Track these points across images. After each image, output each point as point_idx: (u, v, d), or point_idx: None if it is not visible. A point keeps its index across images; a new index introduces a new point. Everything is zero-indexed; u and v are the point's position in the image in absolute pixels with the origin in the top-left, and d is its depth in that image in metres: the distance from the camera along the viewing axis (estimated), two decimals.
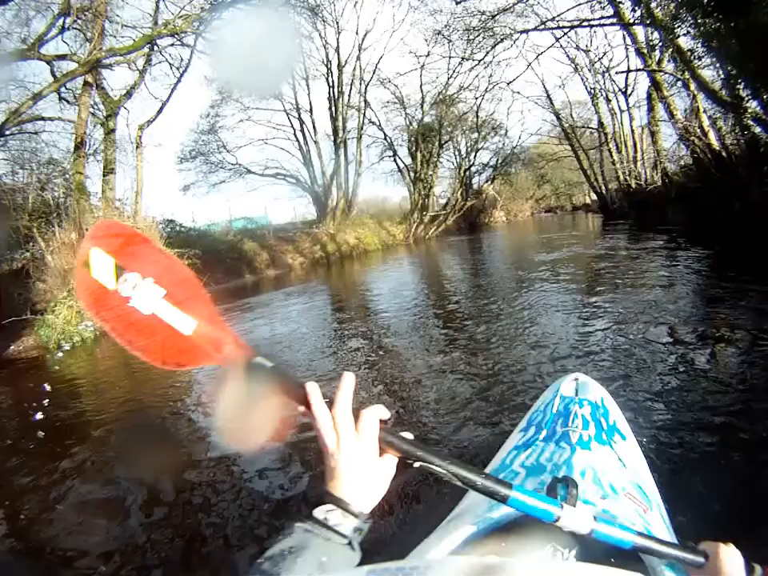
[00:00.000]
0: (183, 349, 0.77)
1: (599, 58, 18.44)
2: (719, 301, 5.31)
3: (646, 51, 13.05)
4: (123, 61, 10.46)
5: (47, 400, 5.75)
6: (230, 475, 3.05)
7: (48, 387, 6.53)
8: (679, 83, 12.12)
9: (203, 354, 0.77)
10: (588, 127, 24.35)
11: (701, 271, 7.25)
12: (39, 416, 5.05)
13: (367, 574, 0.49)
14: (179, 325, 0.76)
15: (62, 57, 8.48)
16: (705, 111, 11.24)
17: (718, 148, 11.05)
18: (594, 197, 27.92)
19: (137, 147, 12.85)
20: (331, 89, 22.22)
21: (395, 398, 3.96)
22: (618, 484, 1.21)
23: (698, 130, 11.15)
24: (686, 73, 11.03)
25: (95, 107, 11.86)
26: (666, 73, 12.18)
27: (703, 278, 6.84)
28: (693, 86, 11.23)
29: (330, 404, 0.70)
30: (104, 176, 11.45)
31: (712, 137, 11.10)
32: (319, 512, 0.65)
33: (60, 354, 8.28)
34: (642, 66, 13.95)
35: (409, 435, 0.72)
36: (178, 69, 13.46)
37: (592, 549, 0.90)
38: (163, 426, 4.26)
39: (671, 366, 3.72)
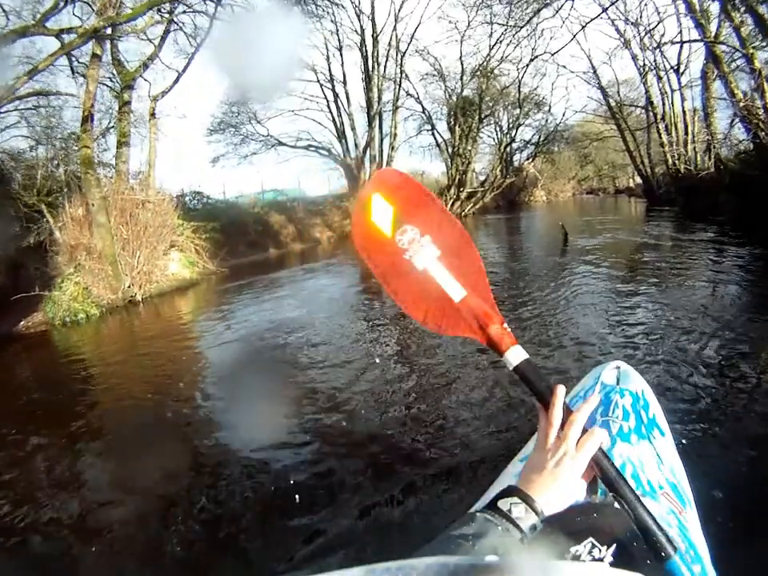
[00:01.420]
0: (448, 314, 0.77)
1: (649, 30, 16.81)
2: None
3: (704, 22, 11.78)
4: (131, 31, 10.20)
5: (39, 380, 5.72)
6: (238, 465, 2.99)
7: (44, 366, 6.62)
8: (740, 59, 11.00)
9: (467, 326, 0.77)
10: (636, 105, 22.77)
11: (756, 271, 6.56)
12: (25, 398, 5.03)
13: (367, 573, 0.50)
14: (449, 289, 0.77)
15: (67, 30, 8.16)
16: None
17: None
18: (639, 180, 26.51)
19: (150, 118, 12.70)
20: (365, 59, 21.44)
21: (428, 379, 3.95)
22: (656, 482, 1.20)
23: (762, 112, 10.06)
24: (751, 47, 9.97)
25: (114, 80, 11.77)
26: (727, 45, 10.95)
27: (758, 279, 6.19)
28: (758, 62, 10.11)
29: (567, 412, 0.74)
30: (117, 149, 11.41)
31: None
32: (503, 503, 0.70)
33: (63, 331, 8.32)
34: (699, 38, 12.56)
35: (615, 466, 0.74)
36: (193, 38, 13.14)
37: (627, 548, 0.86)
38: (159, 412, 4.12)
39: (714, 368, 3.52)
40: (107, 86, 12.14)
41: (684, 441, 2.51)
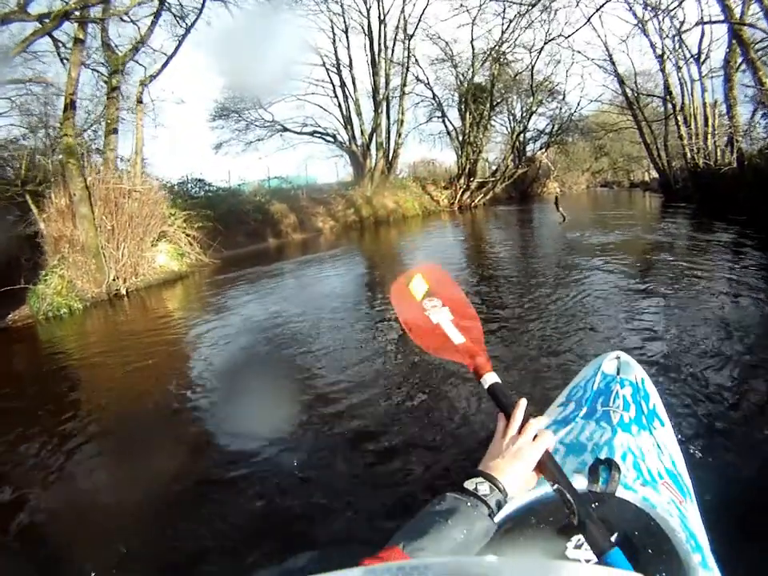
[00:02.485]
0: (448, 348, 1.03)
1: (669, 12, 15.62)
2: None
3: (730, 3, 10.89)
4: (114, 13, 9.83)
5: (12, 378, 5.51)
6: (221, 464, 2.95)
7: (22, 362, 6.53)
8: None
9: (459, 356, 1.01)
10: (654, 95, 21.69)
11: None
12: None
13: (367, 573, 0.51)
14: (453, 337, 1.04)
15: (46, 15, 7.73)
16: None
17: None
18: (655, 174, 25.68)
19: (137, 104, 12.27)
20: (371, 42, 20.90)
21: (435, 367, 3.94)
22: (656, 471, 1.22)
23: None
24: None
25: (107, 66, 11.43)
26: (756, 27, 10.11)
27: None
28: None
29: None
30: (105, 136, 11.08)
31: None
32: (469, 483, 0.80)
33: (46, 326, 8.17)
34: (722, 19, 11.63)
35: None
36: (182, 19, 12.57)
37: (630, 538, 0.95)
38: (135, 412, 4.05)
39: (718, 365, 3.56)
40: (100, 72, 11.92)
41: (684, 432, 2.59)
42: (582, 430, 1.38)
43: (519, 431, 0.86)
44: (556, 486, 0.81)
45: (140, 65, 12.32)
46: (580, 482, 1.08)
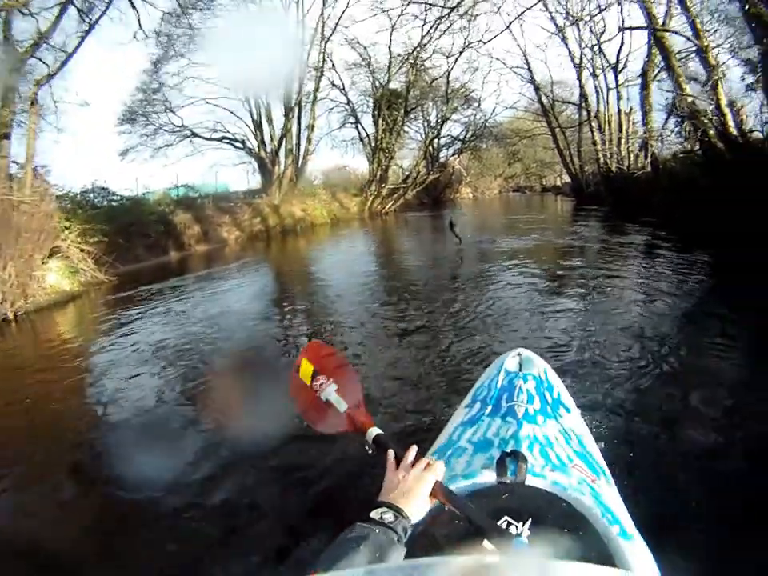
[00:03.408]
0: (336, 422, 1.19)
1: (592, 17, 16.00)
2: (693, 315, 5.00)
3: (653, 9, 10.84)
4: (13, 4, 9.10)
5: None
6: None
7: None
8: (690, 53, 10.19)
9: (345, 425, 1.17)
10: (569, 102, 22.33)
11: (686, 278, 6.39)
12: None
13: (367, 573, 0.52)
14: (339, 406, 1.20)
15: None
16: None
17: (735, 134, 9.15)
18: (567, 179, 26.47)
19: (31, 106, 10.78)
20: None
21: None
22: (566, 456, 1.27)
23: (714, 108, 9.18)
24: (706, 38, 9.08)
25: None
26: (679, 34, 10.00)
27: (688, 285, 6.08)
28: (712, 56, 9.23)
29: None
30: None
31: (730, 119, 9.17)
32: (375, 513, 0.85)
33: None
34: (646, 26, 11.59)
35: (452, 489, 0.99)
36: (87, 14, 11.84)
37: (544, 522, 0.97)
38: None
39: (622, 359, 3.80)
40: None
41: (593, 415, 2.75)
42: (488, 427, 1.40)
43: (412, 464, 0.97)
44: (448, 507, 0.92)
45: (44, 63, 11.16)
46: (489, 477, 1.12)
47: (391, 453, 1.00)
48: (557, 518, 0.97)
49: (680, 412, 2.93)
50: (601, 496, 1.12)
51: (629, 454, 2.37)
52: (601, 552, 0.94)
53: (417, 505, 0.88)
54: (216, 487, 2.72)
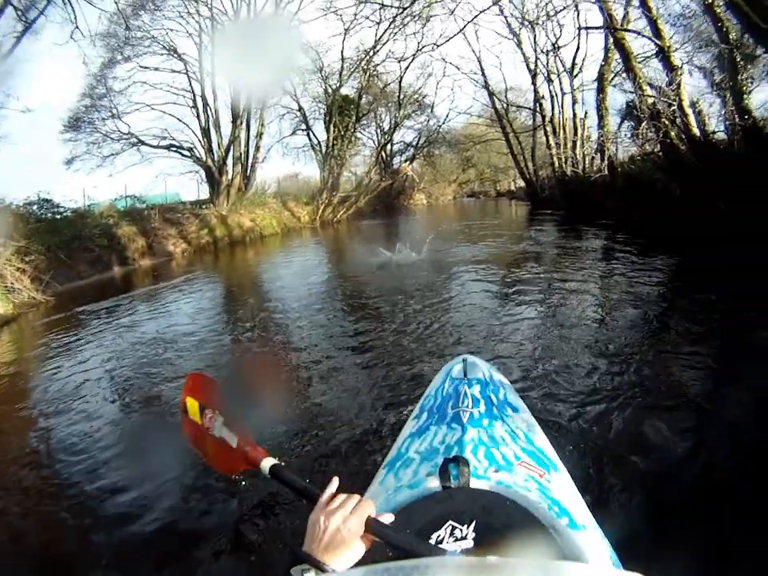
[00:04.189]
0: (230, 457, 1.09)
1: (549, 17, 15.86)
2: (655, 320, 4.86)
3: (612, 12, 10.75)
4: None
5: None
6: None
7: None
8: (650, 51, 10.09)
9: (239, 462, 1.07)
10: (524, 107, 22.44)
11: (643, 279, 6.28)
12: None
13: (367, 573, 0.50)
14: (229, 441, 1.10)
15: None
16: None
17: (698, 135, 9.06)
18: (521, 183, 26.62)
19: None
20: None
21: (290, 401, 3.60)
22: (512, 454, 1.26)
23: (677, 109, 9.06)
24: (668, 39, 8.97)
25: None
26: (640, 35, 9.87)
27: (645, 286, 5.96)
28: (676, 58, 9.12)
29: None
30: None
31: (692, 120, 9.08)
32: (296, 571, 0.78)
33: None
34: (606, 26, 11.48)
35: (388, 520, 0.87)
36: (24, 13, 11.64)
37: (489, 522, 0.98)
38: None
39: (574, 355, 3.86)
40: None
41: (543, 413, 2.76)
42: (434, 435, 1.39)
43: (339, 505, 0.84)
44: (385, 542, 0.83)
45: None
46: (433, 484, 1.12)
47: (322, 494, 0.89)
48: (502, 517, 0.98)
49: (641, 420, 2.87)
50: (549, 490, 1.13)
51: (580, 447, 2.46)
52: (550, 545, 0.96)
53: (345, 555, 0.79)
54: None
